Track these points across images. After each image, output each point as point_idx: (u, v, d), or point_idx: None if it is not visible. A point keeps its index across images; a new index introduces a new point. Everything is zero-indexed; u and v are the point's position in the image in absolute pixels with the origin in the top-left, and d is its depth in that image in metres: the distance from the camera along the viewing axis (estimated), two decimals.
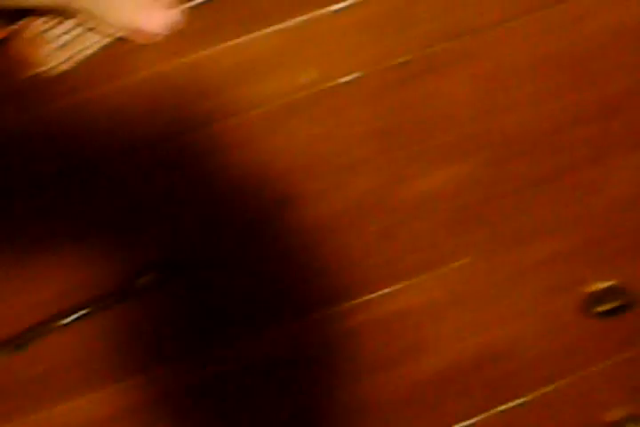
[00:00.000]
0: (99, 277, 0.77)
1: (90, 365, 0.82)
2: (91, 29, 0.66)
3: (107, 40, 0.67)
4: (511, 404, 0.98)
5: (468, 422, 1.00)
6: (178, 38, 0.67)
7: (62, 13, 0.66)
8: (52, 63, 0.65)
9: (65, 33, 0.65)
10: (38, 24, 0.65)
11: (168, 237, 0.77)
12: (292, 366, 0.89)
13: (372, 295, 0.87)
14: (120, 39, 0.67)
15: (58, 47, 0.65)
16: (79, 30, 0.66)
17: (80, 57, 0.66)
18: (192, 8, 0.68)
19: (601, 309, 0.92)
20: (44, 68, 0.66)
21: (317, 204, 0.80)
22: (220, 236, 0.79)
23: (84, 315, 0.77)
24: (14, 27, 0.66)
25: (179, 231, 0.77)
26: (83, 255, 0.76)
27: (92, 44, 0.66)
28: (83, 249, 0.75)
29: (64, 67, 0.66)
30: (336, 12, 0.69)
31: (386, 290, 0.87)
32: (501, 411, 0.98)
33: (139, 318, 0.81)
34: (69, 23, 0.65)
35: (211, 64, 0.68)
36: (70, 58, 0.66)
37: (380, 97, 0.75)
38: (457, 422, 1.00)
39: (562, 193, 0.86)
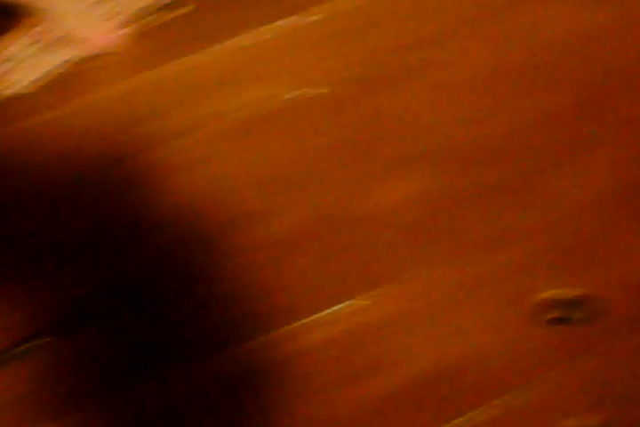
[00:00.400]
0: (39, 308, 0.74)
1: (32, 399, 0.79)
2: (49, 47, 0.63)
3: (65, 59, 0.64)
4: (467, 417, 0.96)
5: None
6: (134, 57, 0.65)
7: (22, 11, 0.63)
8: (11, 82, 0.63)
9: (23, 51, 0.62)
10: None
11: (113, 264, 0.74)
12: (247, 387, 0.86)
13: (329, 310, 0.84)
14: (77, 58, 0.65)
15: (15, 66, 0.62)
16: (37, 48, 0.63)
17: (38, 76, 0.63)
18: (146, 25, 0.66)
19: (561, 318, 0.91)
20: (3, 88, 0.63)
21: (274, 220, 0.77)
22: (171, 260, 0.75)
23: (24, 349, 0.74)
24: None
25: (125, 257, 0.74)
26: (21, 288, 0.72)
27: (49, 63, 0.63)
28: (20, 281, 0.72)
29: (22, 86, 0.63)
30: (295, 25, 0.67)
31: (342, 305, 0.84)
32: (457, 425, 0.96)
33: (81, 350, 0.77)
34: (28, 41, 0.63)
35: (166, 82, 0.66)
36: (27, 77, 0.63)
37: (340, 109, 0.73)
38: None
39: (525, 201, 0.85)
